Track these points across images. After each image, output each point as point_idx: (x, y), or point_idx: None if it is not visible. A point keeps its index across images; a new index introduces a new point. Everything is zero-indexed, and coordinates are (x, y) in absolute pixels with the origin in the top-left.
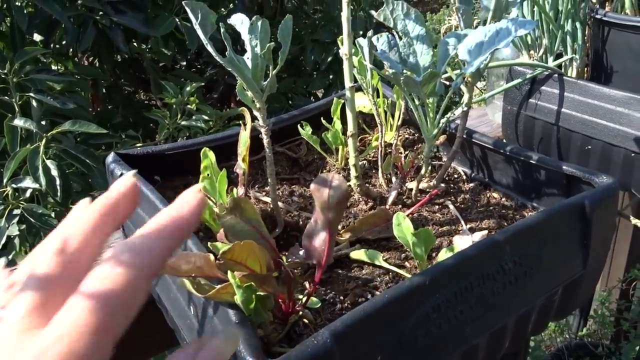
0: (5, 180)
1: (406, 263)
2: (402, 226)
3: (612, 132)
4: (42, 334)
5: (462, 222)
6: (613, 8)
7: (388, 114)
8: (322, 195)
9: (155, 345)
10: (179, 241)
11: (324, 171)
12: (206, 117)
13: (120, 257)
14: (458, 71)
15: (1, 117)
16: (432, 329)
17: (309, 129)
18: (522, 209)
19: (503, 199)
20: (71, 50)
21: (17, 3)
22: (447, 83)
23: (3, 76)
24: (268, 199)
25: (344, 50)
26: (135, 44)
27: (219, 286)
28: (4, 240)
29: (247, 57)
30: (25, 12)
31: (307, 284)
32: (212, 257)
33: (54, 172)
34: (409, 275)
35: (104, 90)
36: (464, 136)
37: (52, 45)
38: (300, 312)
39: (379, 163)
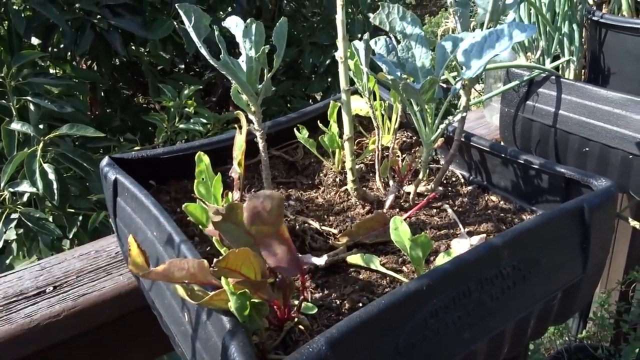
0: (2, 184)
1: (403, 267)
2: (400, 230)
3: (609, 134)
4: None
5: (460, 225)
6: (610, 10)
7: (385, 117)
8: (262, 218)
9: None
10: None
11: (321, 175)
12: (204, 121)
13: None
14: (455, 74)
15: None
16: (430, 335)
17: (306, 132)
18: (521, 213)
19: (501, 202)
20: (69, 53)
21: (14, 7)
22: (445, 86)
23: (0, 80)
24: None
25: (339, 53)
26: (133, 47)
27: (212, 293)
28: (1, 245)
29: (242, 60)
30: (22, 15)
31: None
32: (206, 263)
33: (52, 175)
34: (406, 280)
35: (102, 94)
36: (462, 139)
37: (49, 49)
38: (296, 319)
39: (376, 166)
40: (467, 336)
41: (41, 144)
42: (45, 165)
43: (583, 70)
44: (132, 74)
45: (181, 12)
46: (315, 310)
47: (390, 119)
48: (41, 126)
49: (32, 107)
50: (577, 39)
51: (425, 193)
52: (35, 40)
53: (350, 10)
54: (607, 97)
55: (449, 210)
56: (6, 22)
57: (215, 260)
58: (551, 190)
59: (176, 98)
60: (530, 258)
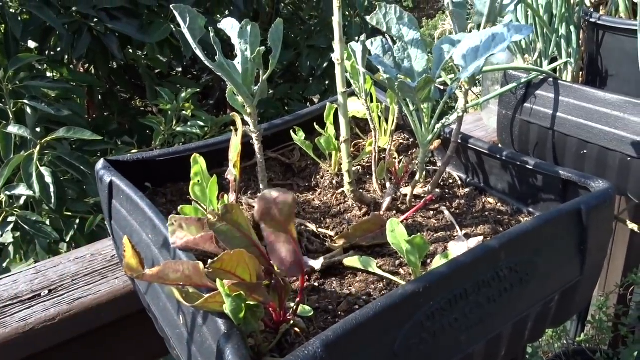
0: None
1: (400, 270)
2: (396, 232)
3: (607, 136)
4: None
5: (457, 227)
6: (607, 12)
7: (382, 119)
8: (272, 214)
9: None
10: None
11: (317, 177)
12: (201, 123)
13: None
14: (453, 76)
15: None
16: (427, 338)
17: (302, 134)
18: (518, 215)
19: (499, 205)
20: (66, 57)
21: (11, 10)
22: (442, 88)
23: None
24: None
25: (336, 55)
26: (130, 50)
27: (207, 295)
28: None
29: (238, 62)
30: (19, 19)
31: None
32: (201, 265)
33: (48, 179)
34: (403, 283)
35: (99, 97)
36: (459, 141)
37: (46, 52)
38: (292, 321)
39: (373, 168)
40: (464, 339)
41: (38, 147)
42: (42, 169)
43: (581, 73)
44: (129, 77)
45: (176, 14)
46: (312, 312)
47: (387, 121)
48: (38, 129)
49: (29, 110)
50: (575, 41)
51: (422, 195)
52: (32, 44)
53: (347, 13)
54: (605, 99)
55: (446, 213)
56: (3, 25)
57: (210, 261)
58: (548, 192)
59: (173, 101)
60: (527, 260)
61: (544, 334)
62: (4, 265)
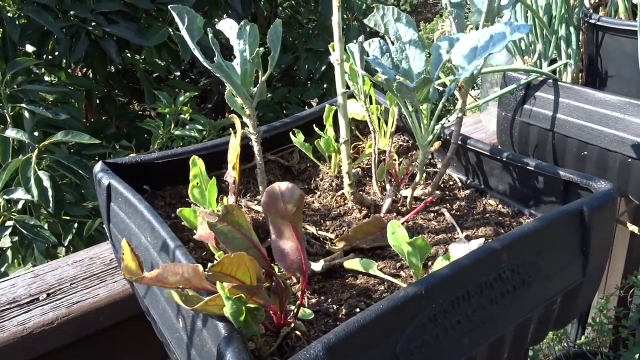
0: None
1: (401, 272)
2: (397, 234)
3: (608, 137)
4: None
5: (458, 229)
6: (607, 12)
7: (381, 121)
8: (278, 207)
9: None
10: None
11: (317, 179)
12: (200, 127)
13: None
14: (451, 77)
15: None
16: (429, 340)
17: (302, 136)
18: (519, 216)
19: (499, 206)
20: (64, 61)
21: (9, 14)
22: (441, 89)
23: None
24: (259, 208)
25: (335, 56)
26: (128, 54)
27: (207, 298)
28: None
29: (236, 63)
30: (17, 23)
31: (299, 294)
32: (200, 268)
33: (47, 183)
34: (404, 285)
35: (97, 101)
36: (459, 142)
37: (44, 56)
38: (293, 324)
39: (373, 170)
40: (467, 341)
41: (36, 151)
42: (40, 173)
43: (580, 74)
44: (127, 81)
45: (174, 14)
46: (312, 315)
47: (386, 123)
48: (36, 133)
49: (26, 114)
50: (574, 42)
51: (423, 197)
52: (29, 48)
53: (345, 16)
54: (605, 100)
55: (447, 214)
56: (1, 29)
57: (209, 264)
58: (550, 193)
59: (172, 105)
60: (530, 261)
61: (546, 336)
62: (2, 269)
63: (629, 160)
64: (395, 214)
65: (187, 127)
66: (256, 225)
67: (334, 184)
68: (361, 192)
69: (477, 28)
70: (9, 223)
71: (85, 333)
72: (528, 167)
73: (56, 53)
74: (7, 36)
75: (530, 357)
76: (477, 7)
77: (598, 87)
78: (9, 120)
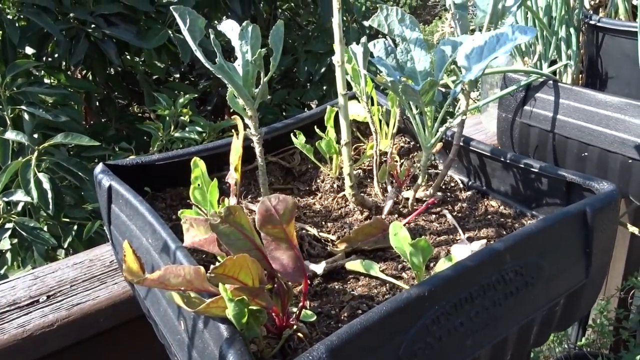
0: None
1: (403, 274)
2: (399, 236)
3: (608, 138)
4: None
5: (460, 231)
6: (607, 14)
7: (383, 122)
8: (273, 221)
9: None
10: None
11: (318, 181)
12: (200, 129)
13: None
14: (455, 78)
15: None
16: (432, 342)
17: (303, 138)
18: (521, 218)
19: (501, 207)
20: (63, 63)
21: (8, 16)
22: (444, 90)
23: None
24: None
25: (336, 57)
26: (128, 56)
27: (209, 300)
28: None
29: (238, 64)
30: (17, 25)
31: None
32: (202, 270)
33: (46, 185)
34: (406, 287)
35: (96, 103)
36: (461, 144)
37: (44, 58)
38: (295, 326)
39: (374, 172)
40: (470, 343)
41: (36, 153)
42: (40, 175)
43: (581, 75)
44: (127, 83)
45: (176, 15)
46: (314, 317)
47: (388, 124)
48: (36, 135)
49: (26, 116)
50: (575, 43)
51: (424, 198)
52: (29, 50)
53: (345, 18)
54: (605, 101)
55: (449, 216)
56: (0, 31)
57: (212, 267)
58: (552, 195)
59: (171, 107)
60: (532, 263)
61: (549, 337)
62: (1, 272)
63: (630, 161)
64: (396, 215)
65: (187, 129)
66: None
67: (335, 185)
68: (362, 194)
69: (480, 30)
70: (9, 225)
71: (86, 335)
72: (530, 169)
73: (56, 55)
74: (6, 38)
75: (531, 359)
76: (481, 6)
77: (598, 88)
78: (8, 122)
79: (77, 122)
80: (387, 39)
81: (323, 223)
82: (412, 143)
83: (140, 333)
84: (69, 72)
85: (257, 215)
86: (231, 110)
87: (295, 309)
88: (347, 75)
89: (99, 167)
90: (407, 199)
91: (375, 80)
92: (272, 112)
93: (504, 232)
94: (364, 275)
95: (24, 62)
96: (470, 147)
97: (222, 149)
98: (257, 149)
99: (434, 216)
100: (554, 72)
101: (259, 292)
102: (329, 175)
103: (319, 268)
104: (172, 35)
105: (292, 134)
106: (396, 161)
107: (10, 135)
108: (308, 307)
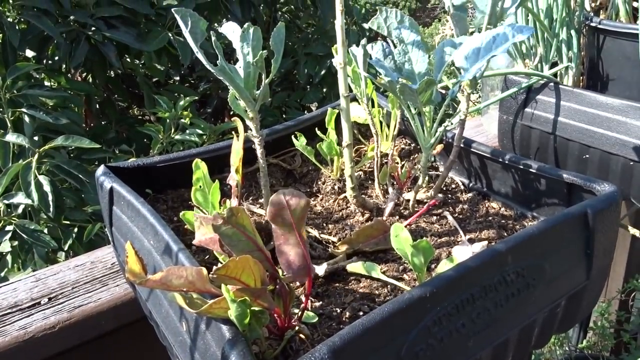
0: None
1: (405, 275)
2: (400, 237)
3: (609, 140)
4: None
5: (461, 232)
6: (608, 16)
7: (384, 124)
8: (284, 216)
9: None
10: None
11: (319, 182)
12: (200, 131)
13: None
14: (454, 80)
15: None
16: (434, 343)
17: (304, 139)
18: (522, 219)
19: (502, 209)
20: (64, 65)
21: (9, 19)
22: (444, 92)
23: None
24: (262, 211)
25: (338, 59)
26: (128, 59)
27: (211, 301)
28: None
29: (239, 66)
30: (17, 28)
31: (303, 298)
32: (204, 271)
33: (47, 187)
34: (408, 288)
35: (97, 106)
36: (461, 145)
37: (44, 61)
38: (297, 327)
39: (375, 174)
40: (472, 344)
41: (36, 156)
42: (41, 177)
43: (582, 77)
44: (127, 86)
45: (177, 17)
46: (316, 319)
47: (388, 126)
48: (36, 138)
49: (27, 119)
50: (575, 45)
51: (425, 200)
52: (29, 53)
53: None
54: (606, 103)
55: (449, 217)
56: (1, 34)
57: (214, 268)
58: (553, 196)
59: (171, 109)
60: (534, 264)
61: (550, 339)
62: (2, 274)
63: (631, 163)
64: (397, 217)
65: (187, 131)
66: (259, 228)
67: (336, 187)
68: (363, 196)
69: (479, 31)
70: (9, 228)
71: (87, 337)
72: (531, 170)
73: (56, 58)
74: (7, 41)
75: None
76: (480, 7)
77: (599, 90)
78: (9, 125)
79: (78, 124)
80: (386, 41)
81: (324, 225)
82: (412, 145)
83: (142, 335)
84: (69, 75)
85: (269, 207)
86: (231, 113)
87: (297, 310)
88: (348, 77)
89: (101, 169)
90: (408, 200)
91: (375, 82)
92: (272, 115)
93: (505, 234)
94: (365, 276)
95: (25, 65)
96: (471, 149)
97: (223, 151)
98: (259, 151)
99: (435, 218)
100: (555, 74)
101: (261, 293)
102: (329, 177)
103: (320, 269)
104: (172, 37)
105: (293, 136)
106: (397, 163)
107: (11, 137)
108: (310, 309)
